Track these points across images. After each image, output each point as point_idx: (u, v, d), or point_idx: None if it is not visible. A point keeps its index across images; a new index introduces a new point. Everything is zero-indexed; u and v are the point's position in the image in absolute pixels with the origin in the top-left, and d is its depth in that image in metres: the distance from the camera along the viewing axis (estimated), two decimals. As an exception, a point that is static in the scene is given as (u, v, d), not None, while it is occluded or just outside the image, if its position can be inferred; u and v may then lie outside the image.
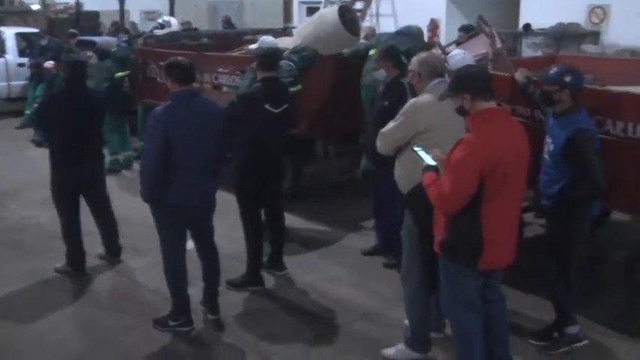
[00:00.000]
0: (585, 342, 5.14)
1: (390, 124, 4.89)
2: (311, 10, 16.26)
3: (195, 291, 5.62)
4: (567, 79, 4.88)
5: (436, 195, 4.14)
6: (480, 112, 4.13)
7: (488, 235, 4.14)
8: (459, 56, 6.00)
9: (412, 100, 4.85)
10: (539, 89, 5.25)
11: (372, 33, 11.20)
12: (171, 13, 17.19)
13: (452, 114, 4.36)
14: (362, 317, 5.70)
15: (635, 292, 5.47)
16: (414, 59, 4.98)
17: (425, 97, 4.79)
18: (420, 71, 4.88)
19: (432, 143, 4.54)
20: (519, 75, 5.65)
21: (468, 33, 8.34)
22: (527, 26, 13.52)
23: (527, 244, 6.04)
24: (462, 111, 4.21)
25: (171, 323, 5.44)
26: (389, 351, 5.10)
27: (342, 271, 6.62)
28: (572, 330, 5.13)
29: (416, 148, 4.48)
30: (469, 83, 4.17)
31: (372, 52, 7.74)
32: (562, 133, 4.80)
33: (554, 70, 4.98)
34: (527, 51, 13.01)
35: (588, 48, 12.38)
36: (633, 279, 5.46)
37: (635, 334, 5.34)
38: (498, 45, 6.63)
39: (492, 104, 4.19)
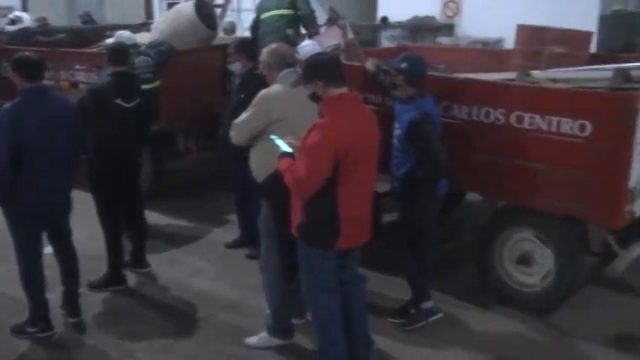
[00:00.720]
0: (440, 315, 5.41)
1: (243, 115, 4.94)
2: (172, 6, 16.01)
3: (57, 296, 5.46)
4: (402, 65, 5.10)
5: (292, 179, 4.23)
6: (332, 98, 4.25)
7: (344, 217, 4.26)
8: (309, 47, 6.12)
9: (263, 91, 4.91)
10: (389, 77, 5.45)
11: (232, 29, 11.21)
12: (24, 9, 16.47)
13: (304, 103, 4.46)
14: (225, 309, 5.72)
15: (485, 268, 5.77)
16: (264, 50, 5.06)
17: (275, 87, 4.87)
18: (269, 62, 4.96)
19: (285, 132, 4.60)
20: (370, 64, 5.83)
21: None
22: (384, 19, 13.99)
23: (385, 227, 6.29)
24: (314, 97, 4.31)
25: (29, 330, 5.26)
26: (251, 339, 5.16)
27: (206, 265, 6.62)
28: (427, 305, 5.37)
29: (272, 136, 4.55)
30: (321, 70, 4.28)
31: None
32: (406, 118, 5.02)
33: (397, 58, 5.22)
34: (386, 43, 13.41)
35: (443, 40, 12.92)
36: (483, 256, 5.76)
37: (486, 305, 5.66)
38: (350, 36, 6.80)
39: (344, 90, 4.32)
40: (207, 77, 8.11)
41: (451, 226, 7.07)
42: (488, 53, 7.61)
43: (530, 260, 5.56)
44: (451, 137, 5.34)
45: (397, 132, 5.15)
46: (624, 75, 5.08)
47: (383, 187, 5.63)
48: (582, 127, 4.96)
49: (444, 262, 6.27)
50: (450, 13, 13.76)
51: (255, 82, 5.95)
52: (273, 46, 5.08)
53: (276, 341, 5.10)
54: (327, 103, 4.25)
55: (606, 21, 11.90)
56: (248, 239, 6.68)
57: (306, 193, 4.22)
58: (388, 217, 6.46)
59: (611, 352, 5.07)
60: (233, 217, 7.39)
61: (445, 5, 13.82)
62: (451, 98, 5.55)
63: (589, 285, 5.88)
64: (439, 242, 6.20)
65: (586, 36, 6.57)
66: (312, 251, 4.42)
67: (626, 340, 5.24)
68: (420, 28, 13.52)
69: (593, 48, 8.77)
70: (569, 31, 6.48)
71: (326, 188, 4.17)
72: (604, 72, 5.39)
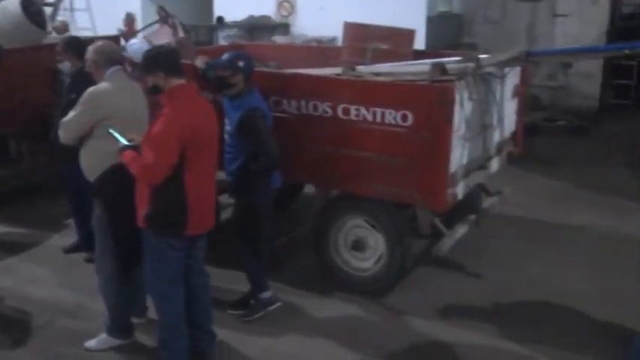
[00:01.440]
0: (279, 304, 5.55)
1: (71, 114, 4.86)
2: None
3: None
4: (241, 64, 5.21)
5: (139, 168, 4.28)
6: (174, 88, 4.36)
7: (192, 203, 4.36)
8: (137, 45, 6.11)
9: (91, 89, 4.84)
10: (221, 75, 5.52)
11: (64, 28, 10.86)
12: None
13: (132, 99, 4.49)
14: (64, 314, 5.58)
15: (322, 256, 5.97)
16: (90, 48, 4.99)
17: (103, 85, 4.83)
18: (96, 59, 4.91)
19: (115, 129, 4.59)
20: (199, 62, 5.86)
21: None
22: (220, 19, 14.09)
23: (224, 222, 6.36)
24: (156, 89, 4.38)
25: None
26: (90, 342, 5.07)
27: (44, 271, 6.41)
28: (266, 295, 5.51)
29: (111, 130, 4.56)
30: (162, 62, 4.37)
31: None
32: (236, 114, 5.13)
33: (226, 56, 5.30)
34: (223, 42, 13.48)
35: (279, 38, 13.17)
36: (319, 244, 5.96)
37: (324, 292, 5.88)
38: (181, 35, 6.82)
39: (183, 81, 4.43)
40: (36, 77, 7.82)
41: (289, 218, 7.25)
42: (319, 50, 7.86)
43: (363, 246, 5.83)
44: (282, 131, 5.52)
45: (227, 128, 5.24)
46: (441, 68, 5.41)
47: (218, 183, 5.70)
48: (404, 117, 5.26)
49: (282, 253, 6.46)
50: (285, 13, 14.08)
51: (85, 81, 5.81)
52: (99, 43, 5.02)
53: (116, 342, 5.05)
54: (170, 94, 4.34)
55: (433, 21, 12.60)
56: (86, 242, 6.52)
57: (155, 180, 4.27)
58: (225, 214, 6.56)
59: (438, 326, 5.41)
60: (70, 221, 7.20)
61: (280, 5, 14.12)
62: (281, 93, 5.71)
63: (419, 265, 6.24)
64: (277, 235, 6.38)
65: (409, 34, 6.92)
66: (161, 241, 4.44)
67: (452, 313, 5.61)
68: (255, 27, 13.72)
69: (421, 46, 9.28)
70: (393, 29, 6.80)
71: (173, 175, 4.26)
72: (423, 66, 5.72)
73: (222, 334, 5.09)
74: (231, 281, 5.84)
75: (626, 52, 5.87)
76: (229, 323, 5.36)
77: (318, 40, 12.16)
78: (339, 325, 5.43)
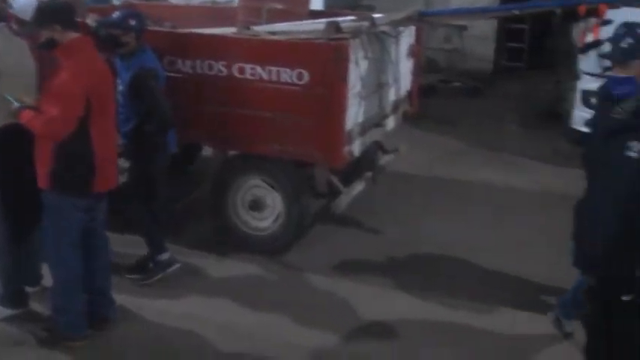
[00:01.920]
0: (178, 265, 5.50)
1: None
2: None
3: None
4: (132, 22, 5.09)
5: (43, 124, 4.15)
6: (72, 41, 4.24)
7: (98, 156, 4.29)
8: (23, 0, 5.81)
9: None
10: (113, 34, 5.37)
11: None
12: None
13: (19, 57, 4.31)
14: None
15: (221, 217, 5.95)
16: (-29, 5, 4.75)
17: (-14, 43, 4.62)
18: (-23, 17, 4.68)
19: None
20: (90, 20, 5.70)
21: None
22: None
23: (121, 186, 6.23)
24: (50, 43, 4.23)
25: None
26: (-20, 316, 4.90)
27: None
28: (164, 257, 5.45)
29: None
30: (58, 14, 4.23)
31: None
32: (128, 73, 5.02)
33: (117, 14, 5.17)
34: (117, 2, 13.04)
35: (174, -1, 12.81)
36: (218, 205, 5.94)
37: (223, 253, 5.87)
38: (72, -9, 6.54)
39: (79, 34, 4.32)
40: None
41: (188, 180, 7.18)
42: (215, 10, 7.71)
43: (261, 205, 5.84)
44: (177, 91, 5.43)
45: (120, 88, 5.11)
46: (335, 26, 5.43)
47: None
48: (300, 76, 5.27)
49: (181, 215, 6.40)
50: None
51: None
52: (-19, 1, 4.79)
53: (8, 311, 4.88)
54: (68, 47, 4.22)
55: (331, -17, 12.55)
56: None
57: (60, 135, 4.15)
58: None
59: (337, 281, 5.51)
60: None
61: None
62: (175, 53, 5.61)
63: (317, 223, 6.31)
64: (176, 197, 6.31)
65: (304, -7, 6.90)
66: (63, 200, 4.32)
67: (350, 269, 5.72)
68: (152, -11, 13.33)
69: (320, 7, 9.26)
70: (289, -12, 6.75)
71: (79, 130, 4.16)
72: (319, 25, 5.72)
73: (120, 299, 5.00)
74: (128, 245, 5.72)
75: (516, 12, 6.03)
76: (127, 287, 5.27)
77: (214, 1, 11.93)
78: (238, 285, 5.44)
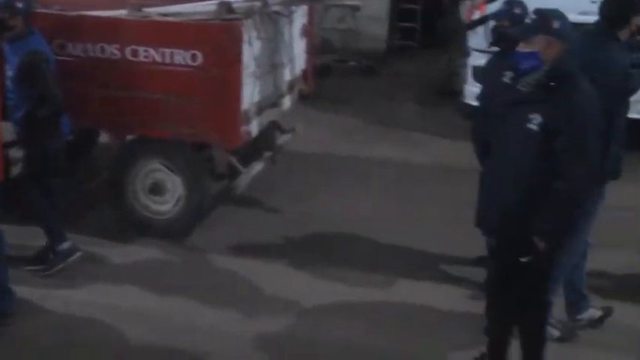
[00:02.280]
0: (79, 254, 5.42)
1: None
2: None
3: None
4: (19, 4, 4.96)
5: None
6: None
7: None
8: None
9: None
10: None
11: None
12: None
13: None
14: None
15: (121, 203, 5.89)
16: None
17: None
18: None
19: None
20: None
21: None
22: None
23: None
24: None
25: None
26: None
27: None
28: (65, 246, 5.36)
29: None
30: None
31: None
32: (17, 58, 4.90)
33: None
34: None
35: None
36: (117, 191, 5.87)
37: (125, 239, 5.83)
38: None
39: None
40: None
41: (86, 167, 7.03)
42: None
43: (161, 189, 5.82)
44: (69, 75, 5.33)
45: (9, 73, 4.99)
46: (227, 7, 5.46)
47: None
48: (194, 57, 5.28)
49: (81, 203, 6.28)
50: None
51: None
52: None
53: None
54: None
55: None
56: None
57: None
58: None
59: (239, 262, 5.59)
60: None
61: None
62: (65, 36, 5.50)
63: (219, 205, 6.33)
64: (74, 185, 6.19)
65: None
66: None
67: (252, 248, 5.81)
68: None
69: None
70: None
71: None
72: (211, 6, 5.73)
73: (22, 291, 4.90)
74: (26, 237, 5.57)
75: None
76: (29, 280, 5.15)
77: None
78: (142, 270, 5.43)
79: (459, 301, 5.06)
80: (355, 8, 12.73)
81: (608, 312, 4.81)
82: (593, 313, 4.78)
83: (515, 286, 3.93)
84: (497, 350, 4.17)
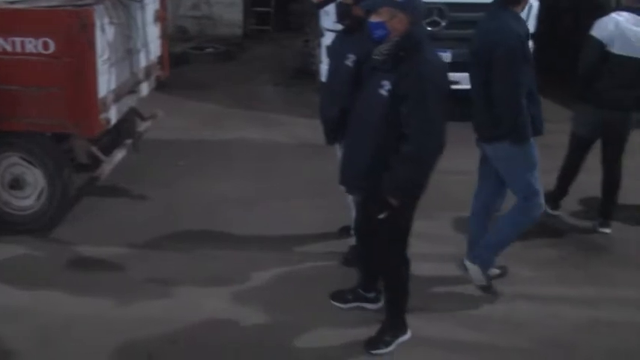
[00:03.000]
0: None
1: None
2: None
3: None
4: None
5: None
6: None
7: None
8: None
9: None
10: None
11: None
12: None
13: None
14: None
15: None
16: None
17: None
18: None
19: None
20: None
21: None
22: None
23: None
24: None
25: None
26: None
27: None
28: None
29: None
30: None
31: None
32: None
33: None
34: None
35: None
36: None
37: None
38: None
39: None
40: None
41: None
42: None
43: (22, 183, 5.67)
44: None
45: None
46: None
47: None
48: (46, 45, 5.16)
49: None
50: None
51: None
52: None
53: None
54: None
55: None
56: None
57: None
58: None
59: (105, 249, 5.53)
60: None
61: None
62: None
63: (85, 196, 6.25)
64: None
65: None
66: None
67: (123, 236, 5.74)
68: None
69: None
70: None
71: None
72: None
73: None
74: None
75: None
76: None
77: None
78: (9, 268, 5.25)
79: (324, 271, 5.26)
80: (210, -5, 12.78)
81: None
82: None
83: (377, 238, 4.30)
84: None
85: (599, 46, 5.60)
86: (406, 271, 4.36)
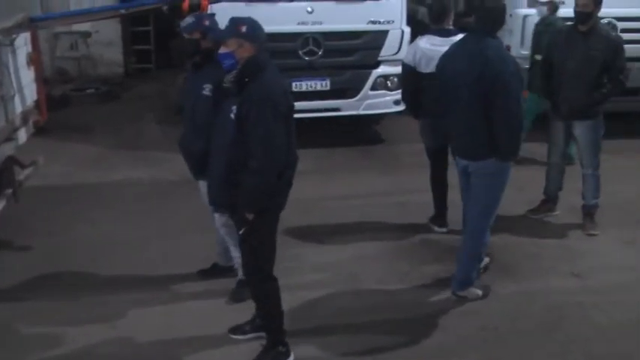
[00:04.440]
0: None
1: None
2: None
3: None
4: None
5: None
6: None
7: None
8: None
9: None
10: None
11: None
12: None
13: None
14: None
15: None
16: None
17: None
18: None
19: None
20: None
21: None
22: None
23: None
24: None
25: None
26: None
27: None
28: None
29: None
30: None
31: None
32: None
33: None
34: None
35: None
36: None
37: None
38: None
39: None
40: None
41: None
42: None
43: None
44: None
45: None
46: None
47: None
48: None
49: None
50: None
51: None
52: None
53: None
54: None
55: None
56: None
57: None
58: None
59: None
60: None
61: None
62: None
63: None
64: None
65: None
66: None
67: (4, 291, 5.55)
68: None
69: None
70: None
71: None
72: None
73: None
74: None
75: (123, 12, 6.25)
76: None
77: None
78: None
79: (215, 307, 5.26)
80: (86, 34, 12.55)
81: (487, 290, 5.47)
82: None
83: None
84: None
85: (410, 68, 6.25)
86: (273, 289, 4.52)
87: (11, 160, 6.34)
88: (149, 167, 8.40)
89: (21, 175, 6.47)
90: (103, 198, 7.45)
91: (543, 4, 7.96)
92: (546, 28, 7.75)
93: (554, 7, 7.92)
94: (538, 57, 7.45)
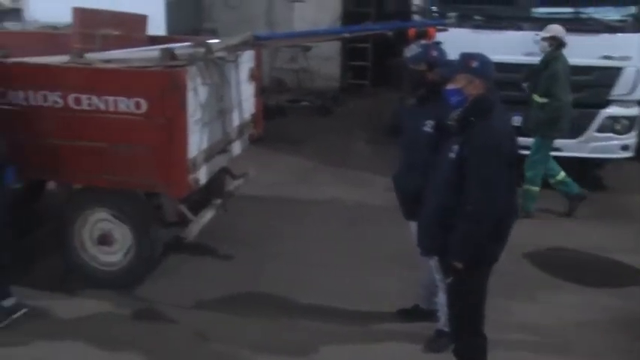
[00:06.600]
0: (24, 310, 5.24)
1: None
2: None
3: None
4: None
5: None
6: None
7: None
8: None
9: None
10: None
11: None
12: None
13: None
14: None
15: (68, 254, 5.73)
16: None
17: None
18: None
19: None
20: None
21: None
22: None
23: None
24: None
25: None
26: None
27: None
28: (8, 303, 5.18)
29: None
30: None
31: None
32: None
33: None
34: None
35: (10, 25, 12.26)
36: (65, 242, 5.72)
37: (73, 292, 5.67)
38: None
39: None
40: None
41: (33, 216, 6.84)
42: (53, 37, 7.39)
43: (110, 239, 5.68)
44: (11, 124, 5.21)
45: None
46: (170, 54, 5.38)
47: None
48: (138, 105, 5.17)
49: (26, 254, 6.07)
50: (20, -3, 13.12)
51: None
52: None
53: None
54: None
55: (171, 6, 12.43)
56: None
57: None
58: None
59: (188, 311, 5.45)
60: None
61: (8, -11, 13.11)
62: (5, 83, 5.34)
63: (170, 253, 6.19)
64: (21, 235, 6.00)
65: (141, 19, 6.81)
66: None
67: (205, 298, 5.66)
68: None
69: (162, 31, 9.13)
70: (125, 14, 6.62)
71: None
72: (153, 52, 5.64)
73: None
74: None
75: (347, 35, 6.20)
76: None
77: (54, 27, 11.47)
78: (88, 324, 5.25)
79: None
80: (306, 48, 12.82)
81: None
82: None
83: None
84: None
85: None
86: (481, 349, 4.27)
87: (223, 171, 6.51)
88: (357, 188, 8.35)
89: (231, 185, 6.63)
90: (308, 216, 7.46)
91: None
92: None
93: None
94: None
